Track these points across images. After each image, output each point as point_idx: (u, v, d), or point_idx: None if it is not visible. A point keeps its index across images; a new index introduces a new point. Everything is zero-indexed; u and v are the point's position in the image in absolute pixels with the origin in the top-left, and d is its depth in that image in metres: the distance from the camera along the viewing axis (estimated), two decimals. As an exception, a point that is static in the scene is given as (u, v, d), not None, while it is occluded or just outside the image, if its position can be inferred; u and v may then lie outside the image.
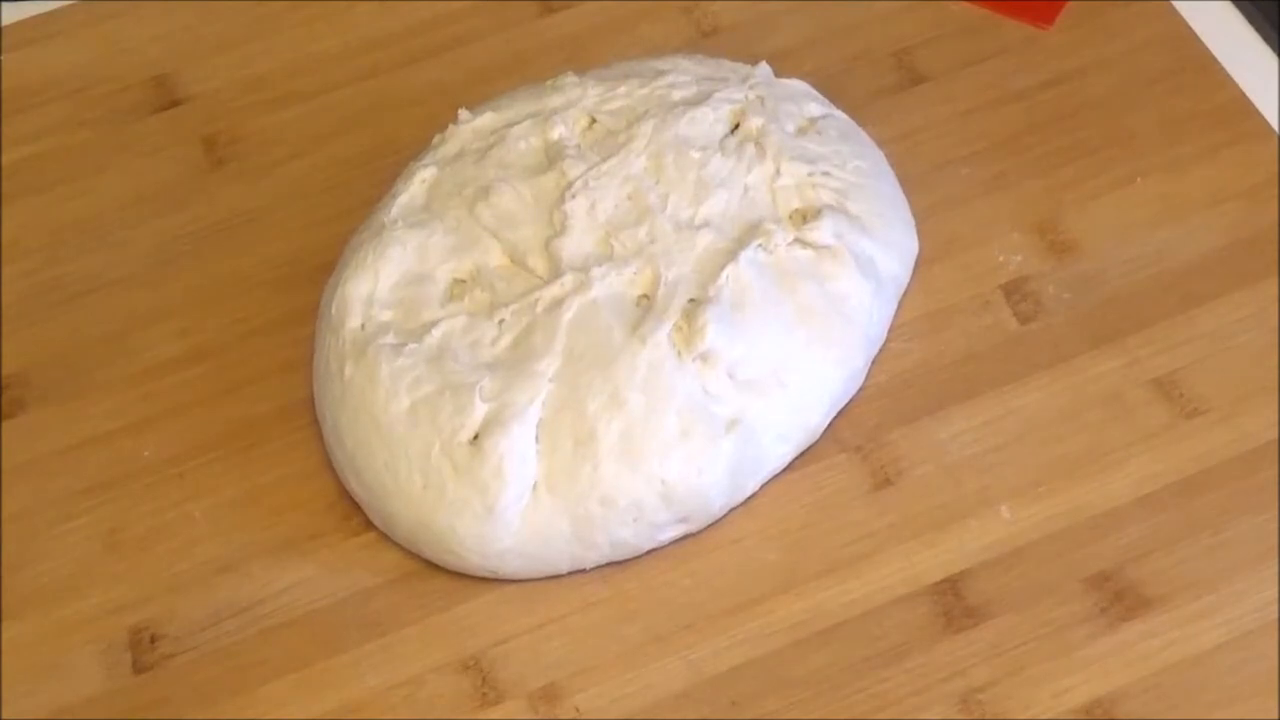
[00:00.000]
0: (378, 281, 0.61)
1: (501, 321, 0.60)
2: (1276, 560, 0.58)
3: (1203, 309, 0.64)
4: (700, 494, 0.58)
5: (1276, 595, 0.57)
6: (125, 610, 0.59)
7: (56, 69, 0.74)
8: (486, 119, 0.66)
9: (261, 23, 0.76)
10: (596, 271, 0.60)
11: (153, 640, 0.59)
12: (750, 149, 0.64)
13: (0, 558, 0.61)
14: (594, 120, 0.65)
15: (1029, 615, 0.57)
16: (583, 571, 0.59)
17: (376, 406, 0.59)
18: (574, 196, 0.62)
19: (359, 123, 0.72)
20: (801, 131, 0.65)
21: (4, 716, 0.57)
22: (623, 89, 0.66)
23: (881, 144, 0.67)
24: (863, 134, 0.67)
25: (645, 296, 0.60)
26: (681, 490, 0.58)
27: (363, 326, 0.60)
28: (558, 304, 0.59)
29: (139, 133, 0.73)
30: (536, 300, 0.60)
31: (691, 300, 0.60)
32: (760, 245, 0.61)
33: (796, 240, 0.61)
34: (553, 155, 0.64)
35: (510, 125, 0.65)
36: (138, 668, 0.58)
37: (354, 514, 0.61)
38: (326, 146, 0.71)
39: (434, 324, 0.60)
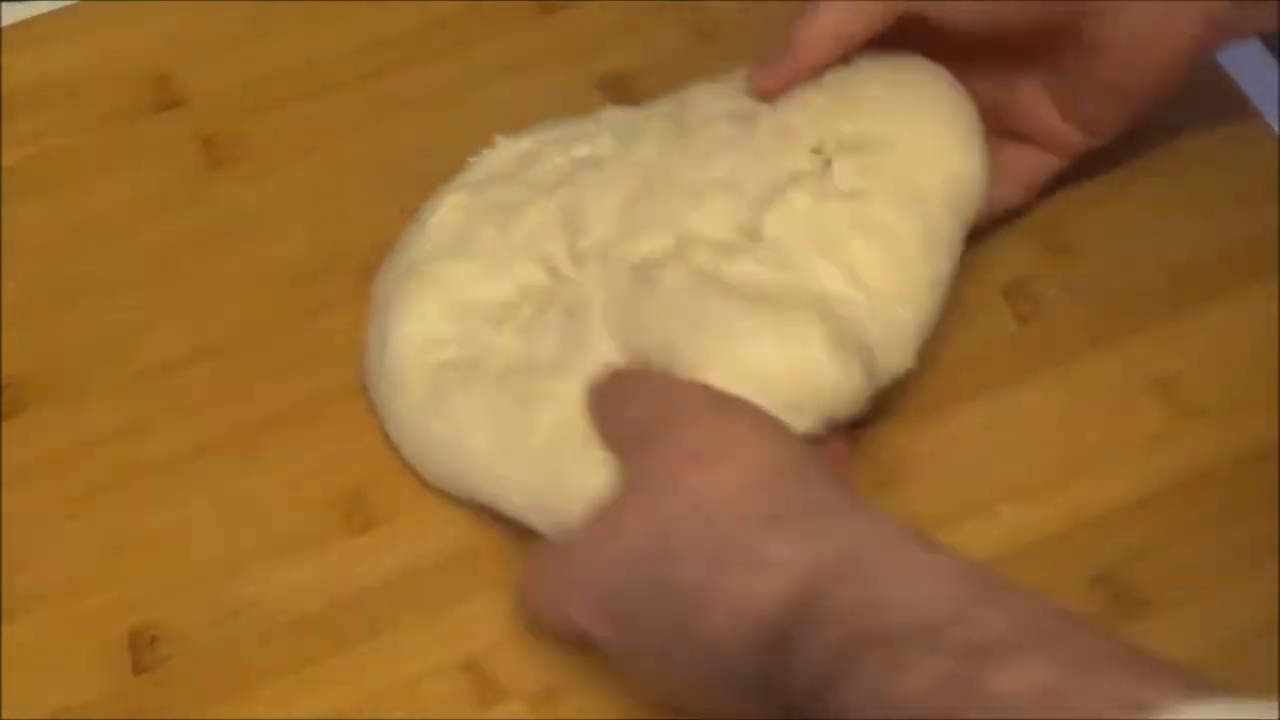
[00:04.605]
0: (425, 321, 0.60)
1: (550, 328, 0.59)
2: (1276, 561, 0.58)
3: (1203, 309, 0.64)
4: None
5: (1276, 595, 0.57)
6: (125, 610, 0.59)
7: (56, 69, 0.74)
8: (522, 145, 0.65)
9: (261, 23, 0.76)
10: (617, 250, 0.59)
11: (153, 641, 0.59)
12: (762, 109, 0.61)
13: (0, 558, 0.61)
14: (620, 139, 0.64)
15: (1029, 615, 0.57)
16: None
17: (468, 439, 0.58)
18: (588, 194, 0.61)
19: (359, 123, 0.72)
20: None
21: (4, 717, 0.57)
22: (662, 109, 0.65)
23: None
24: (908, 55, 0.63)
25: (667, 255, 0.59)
26: None
27: (422, 371, 0.60)
28: (589, 296, 0.59)
29: (139, 133, 0.73)
30: (575, 298, 0.59)
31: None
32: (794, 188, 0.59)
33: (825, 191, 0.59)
34: (577, 168, 0.63)
35: (542, 149, 0.64)
36: (138, 668, 0.58)
37: (354, 514, 0.61)
38: (326, 147, 0.71)
39: (492, 350, 0.59)
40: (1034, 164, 0.65)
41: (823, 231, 0.58)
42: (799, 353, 0.55)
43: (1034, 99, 0.63)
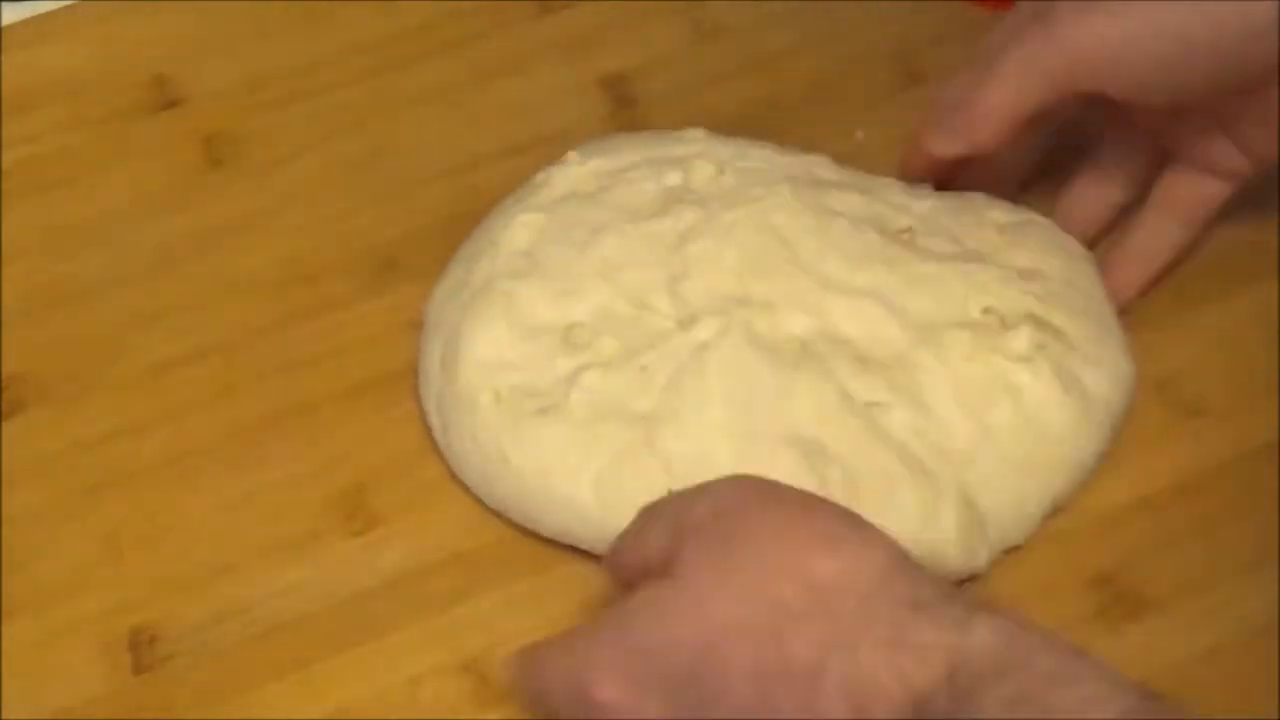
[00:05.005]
0: (498, 344, 0.59)
1: (644, 368, 0.58)
2: (1276, 561, 0.58)
3: (1203, 309, 0.64)
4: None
5: (1276, 596, 0.57)
6: (125, 610, 0.59)
7: (56, 69, 0.74)
8: (598, 163, 0.64)
9: (261, 23, 0.76)
10: (742, 311, 0.58)
11: (152, 641, 0.59)
12: (930, 242, 0.60)
13: (0, 558, 0.61)
14: (722, 172, 0.63)
15: (1029, 615, 0.57)
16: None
17: (561, 482, 0.57)
18: (699, 239, 0.60)
19: (359, 123, 0.72)
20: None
21: (4, 717, 0.57)
22: (759, 153, 0.63)
23: (882, 145, 0.67)
24: (1067, 238, 0.63)
25: (797, 341, 0.58)
26: None
27: (495, 395, 0.59)
28: (703, 348, 0.58)
29: (139, 133, 0.73)
30: (683, 346, 0.58)
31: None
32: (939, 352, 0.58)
33: (989, 348, 0.58)
34: (673, 199, 0.62)
35: (625, 170, 0.63)
36: (138, 668, 0.58)
37: (354, 514, 0.61)
38: (326, 146, 0.71)
39: (570, 380, 0.58)
40: (1202, 194, 0.62)
41: (970, 384, 0.58)
42: (936, 536, 0.55)
43: (1202, 130, 0.61)
